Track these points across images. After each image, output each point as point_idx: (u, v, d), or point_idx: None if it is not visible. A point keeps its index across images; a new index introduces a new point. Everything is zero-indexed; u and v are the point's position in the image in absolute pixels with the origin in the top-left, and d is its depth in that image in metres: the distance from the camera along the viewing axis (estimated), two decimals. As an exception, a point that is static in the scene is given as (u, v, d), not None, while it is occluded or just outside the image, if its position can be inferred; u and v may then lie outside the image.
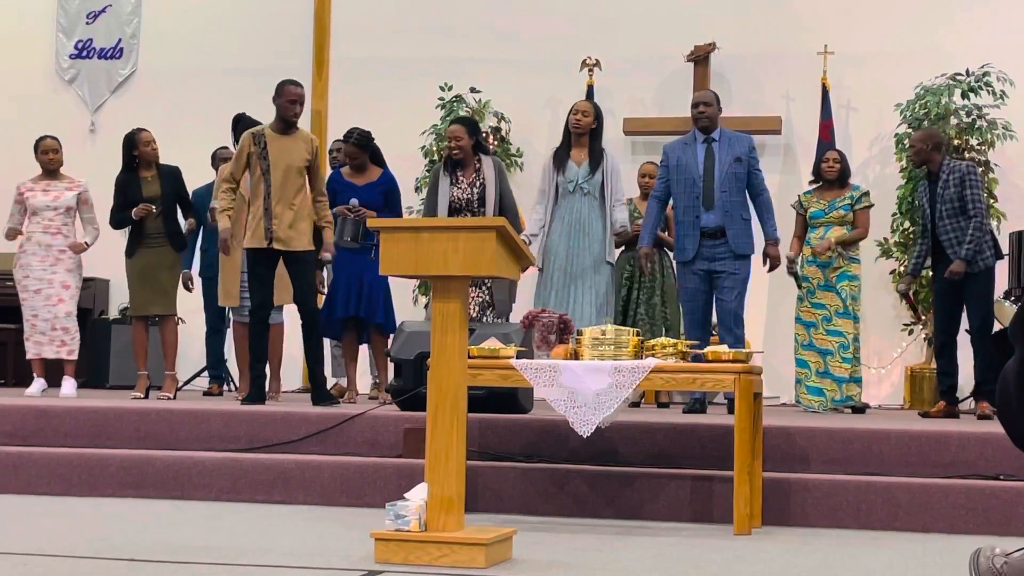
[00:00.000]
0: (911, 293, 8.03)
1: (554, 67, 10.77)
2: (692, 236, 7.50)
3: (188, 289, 8.91)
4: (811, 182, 8.62)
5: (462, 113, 10.57)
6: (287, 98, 7.36)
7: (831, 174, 8.38)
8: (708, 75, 10.51)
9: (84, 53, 11.83)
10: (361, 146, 8.07)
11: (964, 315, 7.80)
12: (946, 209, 7.66)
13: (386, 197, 8.17)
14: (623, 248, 8.64)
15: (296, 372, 10.38)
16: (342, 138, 8.33)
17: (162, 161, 8.26)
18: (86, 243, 8.33)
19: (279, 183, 7.29)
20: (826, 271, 8.22)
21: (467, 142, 7.62)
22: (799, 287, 8.36)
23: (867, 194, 8.42)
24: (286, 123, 7.39)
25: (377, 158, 8.25)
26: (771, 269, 7.77)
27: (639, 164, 9.66)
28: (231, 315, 8.69)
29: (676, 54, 10.56)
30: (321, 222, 7.53)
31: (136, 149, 8.14)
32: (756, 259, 7.66)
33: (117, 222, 8.23)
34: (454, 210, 7.65)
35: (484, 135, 8.22)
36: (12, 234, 8.36)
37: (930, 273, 9.62)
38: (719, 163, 7.50)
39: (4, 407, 6.61)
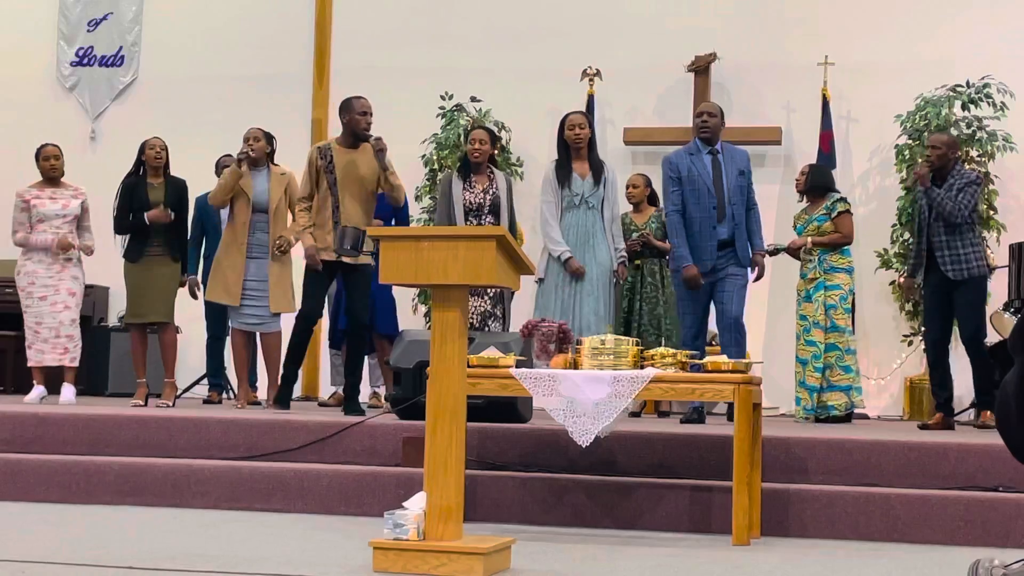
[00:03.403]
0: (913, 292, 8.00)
1: (555, 77, 10.78)
2: (710, 247, 7.52)
3: (194, 296, 8.90)
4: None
5: (462, 122, 10.60)
6: (358, 111, 7.36)
7: (798, 188, 8.52)
8: (709, 85, 10.52)
9: (85, 61, 11.84)
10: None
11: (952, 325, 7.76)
12: (943, 222, 7.52)
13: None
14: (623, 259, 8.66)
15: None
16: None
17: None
18: (77, 245, 8.25)
19: (348, 198, 7.30)
20: (804, 281, 8.26)
21: (488, 148, 7.89)
22: (797, 257, 8.46)
23: (842, 199, 8.35)
24: (355, 137, 7.38)
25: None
26: (758, 278, 7.89)
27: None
28: (230, 323, 8.65)
29: (677, 64, 10.58)
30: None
31: (144, 154, 8.18)
32: (768, 270, 7.75)
33: (122, 227, 8.22)
34: (469, 212, 7.74)
35: (495, 152, 8.30)
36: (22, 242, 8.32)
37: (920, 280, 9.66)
38: (726, 175, 7.59)
39: (3, 414, 6.61)
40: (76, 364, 8.29)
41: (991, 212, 9.75)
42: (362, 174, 7.33)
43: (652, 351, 5.31)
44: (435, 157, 10.63)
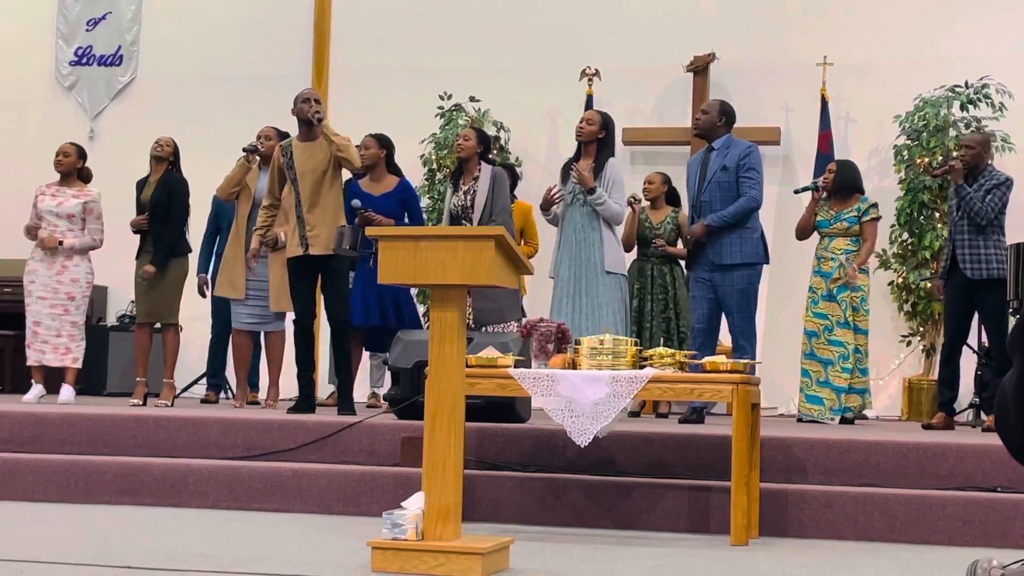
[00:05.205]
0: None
1: (554, 77, 10.78)
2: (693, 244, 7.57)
3: (202, 294, 8.87)
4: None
5: (461, 122, 10.60)
6: (300, 100, 7.35)
7: (826, 185, 8.36)
8: (707, 86, 10.52)
9: (84, 60, 11.84)
10: (380, 141, 8.17)
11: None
12: (968, 221, 7.53)
13: (404, 206, 8.21)
14: (636, 257, 8.66)
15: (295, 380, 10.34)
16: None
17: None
18: (63, 242, 8.18)
19: (307, 190, 7.29)
20: (827, 281, 8.17)
21: (472, 144, 7.72)
22: (814, 192, 8.31)
23: (874, 206, 8.27)
24: (308, 125, 7.34)
25: (394, 167, 8.30)
26: (684, 243, 7.70)
27: (638, 173, 9.67)
28: (232, 322, 8.62)
29: (675, 64, 10.58)
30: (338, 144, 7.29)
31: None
32: (765, 270, 7.65)
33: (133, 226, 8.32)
34: (453, 217, 7.73)
35: (494, 153, 8.25)
36: (30, 231, 8.31)
37: (921, 280, 9.66)
38: (708, 173, 7.54)
39: (1, 413, 6.61)
40: (79, 365, 8.29)
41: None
42: (315, 163, 7.30)
43: (651, 351, 5.31)
44: (434, 157, 10.63)
